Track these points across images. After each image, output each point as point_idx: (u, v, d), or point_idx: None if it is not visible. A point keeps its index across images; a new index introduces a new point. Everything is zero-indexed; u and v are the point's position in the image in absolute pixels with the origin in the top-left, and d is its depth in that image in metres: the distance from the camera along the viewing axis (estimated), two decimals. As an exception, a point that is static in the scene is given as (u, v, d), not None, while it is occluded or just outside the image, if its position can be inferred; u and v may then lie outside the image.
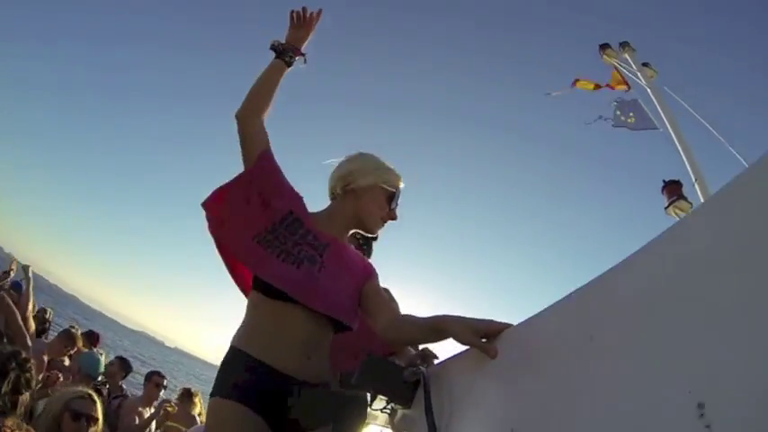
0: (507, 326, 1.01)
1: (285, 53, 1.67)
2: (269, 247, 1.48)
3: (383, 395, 1.51)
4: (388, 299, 1.58)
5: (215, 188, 1.57)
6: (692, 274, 0.52)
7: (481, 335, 1.03)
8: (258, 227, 1.51)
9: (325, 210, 1.69)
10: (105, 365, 4.49)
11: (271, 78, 1.66)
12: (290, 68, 1.69)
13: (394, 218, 1.67)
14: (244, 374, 1.40)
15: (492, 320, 1.05)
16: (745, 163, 5.16)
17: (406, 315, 1.44)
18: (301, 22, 1.73)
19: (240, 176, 1.58)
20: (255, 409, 1.35)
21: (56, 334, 4.67)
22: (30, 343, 3.25)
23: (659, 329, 0.54)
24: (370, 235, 1.71)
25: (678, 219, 4.61)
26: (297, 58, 1.71)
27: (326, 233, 1.58)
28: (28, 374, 2.01)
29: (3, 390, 1.88)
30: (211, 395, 1.42)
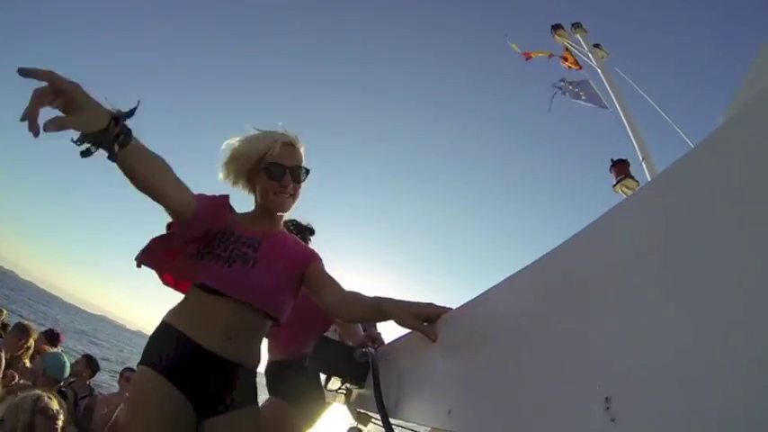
0: (447, 310, 1.05)
1: (88, 151, 1.06)
2: (204, 258, 1.55)
3: (336, 376, 1.56)
4: (333, 279, 1.62)
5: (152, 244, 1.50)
6: (610, 267, 0.53)
7: (422, 318, 1.07)
8: (195, 250, 1.57)
9: (253, 211, 1.73)
10: (71, 365, 4.38)
11: (133, 174, 1.21)
12: (125, 146, 1.12)
13: (285, 186, 1.60)
14: (169, 346, 1.49)
15: (432, 304, 1.09)
16: (690, 143, 5.41)
17: (352, 293, 1.49)
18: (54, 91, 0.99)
19: (173, 234, 1.50)
20: (175, 378, 1.44)
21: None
22: None
23: (577, 323, 0.56)
24: (283, 212, 1.70)
25: (625, 196, 4.81)
26: (116, 131, 1.08)
27: (256, 230, 1.64)
28: None
29: None
30: (139, 363, 1.51)
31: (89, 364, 4.63)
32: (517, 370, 0.68)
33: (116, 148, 1.10)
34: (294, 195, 1.65)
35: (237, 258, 1.54)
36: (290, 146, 1.65)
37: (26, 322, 4.36)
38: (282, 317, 1.64)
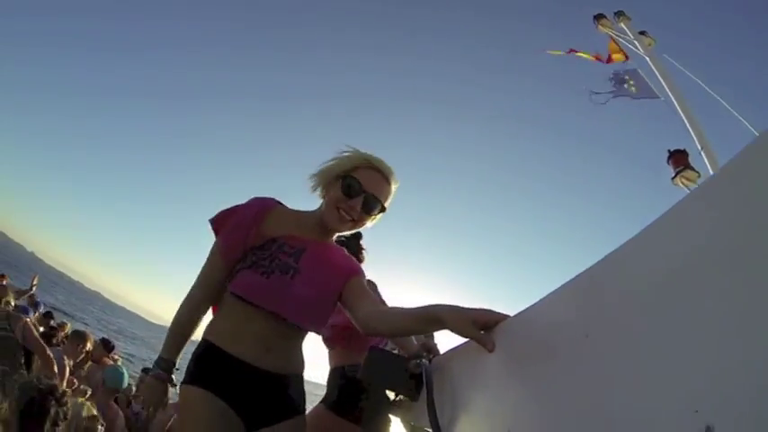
0: (505, 317, 0.97)
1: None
2: (244, 266, 1.51)
3: (389, 388, 1.50)
4: (371, 294, 1.56)
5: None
6: (703, 264, 0.44)
7: (479, 326, 0.99)
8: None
9: (308, 213, 1.64)
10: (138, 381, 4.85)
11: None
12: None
13: (352, 207, 1.50)
14: (211, 362, 1.47)
15: (489, 310, 1.01)
16: (750, 126, 5.05)
17: (392, 306, 1.42)
18: None
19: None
20: (218, 392, 1.42)
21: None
22: (50, 355, 3.41)
23: (664, 331, 0.47)
24: (336, 232, 1.63)
25: (686, 189, 4.53)
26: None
27: (303, 237, 1.57)
28: (65, 408, 2.23)
29: (46, 428, 2.11)
30: (181, 383, 1.50)
31: None
32: (588, 387, 0.59)
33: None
34: (356, 222, 1.53)
35: (277, 269, 1.48)
36: (379, 173, 1.54)
37: (82, 329, 4.76)
38: (321, 331, 1.61)
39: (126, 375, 4.40)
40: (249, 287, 1.47)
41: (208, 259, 1.58)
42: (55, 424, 2.14)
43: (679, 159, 4.63)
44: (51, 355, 3.44)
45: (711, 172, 4.75)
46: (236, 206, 1.58)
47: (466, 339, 1.08)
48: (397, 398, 1.62)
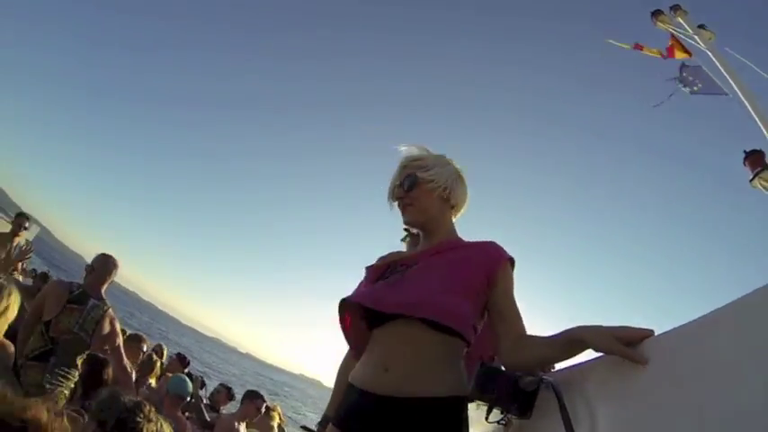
0: (650, 332, 0.94)
1: None
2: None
3: (499, 406, 1.45)
4: (517, 312, 1.40)
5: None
6: None
7: (623, 342, 0.97)
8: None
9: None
10: (212, 393, 5.23)
11: None
12: None
13: (398, 199, 1.56)
14: (345, 397, 1.49)
15: (629, 326, 0.99)
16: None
17: (531, 335, 1.33)
18: None
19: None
20: (345, 428, 1.40)
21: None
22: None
23: None
24: (415, 225, 1.60)
25: (765, 192, 4.24)
26: None
27: (416, 253, 1.58)
28: (159, 425, 2.18)
29: None
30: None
31: (228, 394, 5.44)
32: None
33: None
34: (413, 204, 1.52)
35: (391, 274, 1.50)
36: (399, 166, 1.60)
37: (138, 333, 5.16)
38: (459, 324, 1.35)
39: (189, 383, 4.33)
40: (363, 293, 1.50)
41: None
42: None
43: (756, 160, 4.34)
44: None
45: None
46: None
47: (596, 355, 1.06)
48: (505, 417, 1.56)
